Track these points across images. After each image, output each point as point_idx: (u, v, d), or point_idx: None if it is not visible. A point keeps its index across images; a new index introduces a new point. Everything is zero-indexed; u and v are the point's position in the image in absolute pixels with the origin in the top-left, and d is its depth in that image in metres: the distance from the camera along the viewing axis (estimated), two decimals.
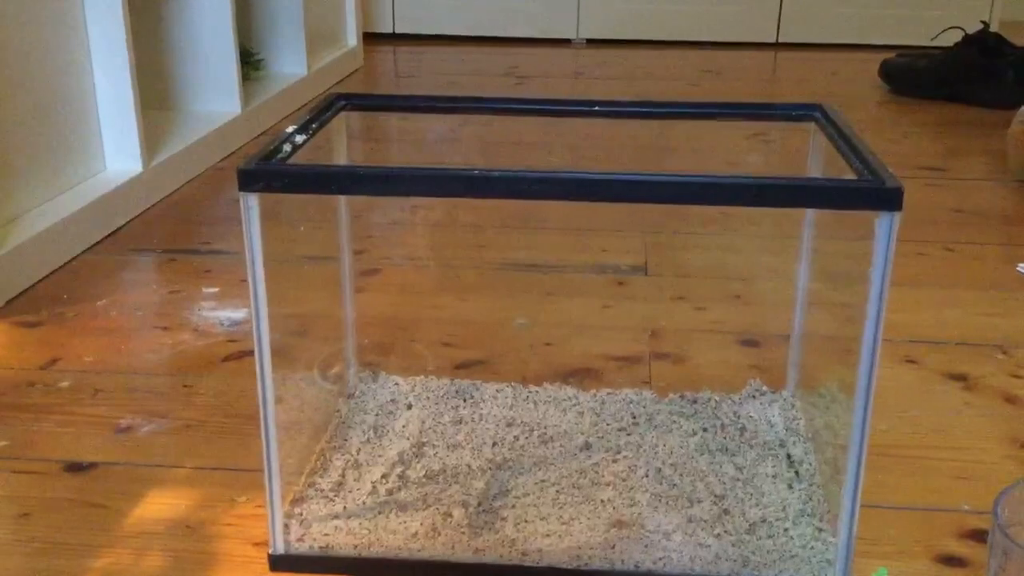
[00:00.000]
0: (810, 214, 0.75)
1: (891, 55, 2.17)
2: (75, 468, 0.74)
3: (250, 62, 1.86)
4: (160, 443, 0.78)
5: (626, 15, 2.65)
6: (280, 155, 0.59)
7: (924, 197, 1.41)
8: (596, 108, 0.72)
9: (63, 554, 0.65)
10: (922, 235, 1.24)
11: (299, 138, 0.62)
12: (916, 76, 2.04)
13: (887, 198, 0.52)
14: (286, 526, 0.64)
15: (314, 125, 0.65)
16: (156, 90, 1.61)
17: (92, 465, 0.75)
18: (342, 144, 0.73)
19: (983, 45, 1.98)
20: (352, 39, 2.31)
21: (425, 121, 1.75)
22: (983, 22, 2.04)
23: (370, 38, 2.58)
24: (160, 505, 0.70)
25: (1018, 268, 1.13)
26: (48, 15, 1.16)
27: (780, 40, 2.65)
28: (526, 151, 1.62)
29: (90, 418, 0.81)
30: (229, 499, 0.71)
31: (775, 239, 1.19)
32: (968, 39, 2.00)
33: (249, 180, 0.55)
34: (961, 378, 0.89)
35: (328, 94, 0.71)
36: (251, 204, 0.56)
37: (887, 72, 2.10)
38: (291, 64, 1.96)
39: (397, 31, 2.70)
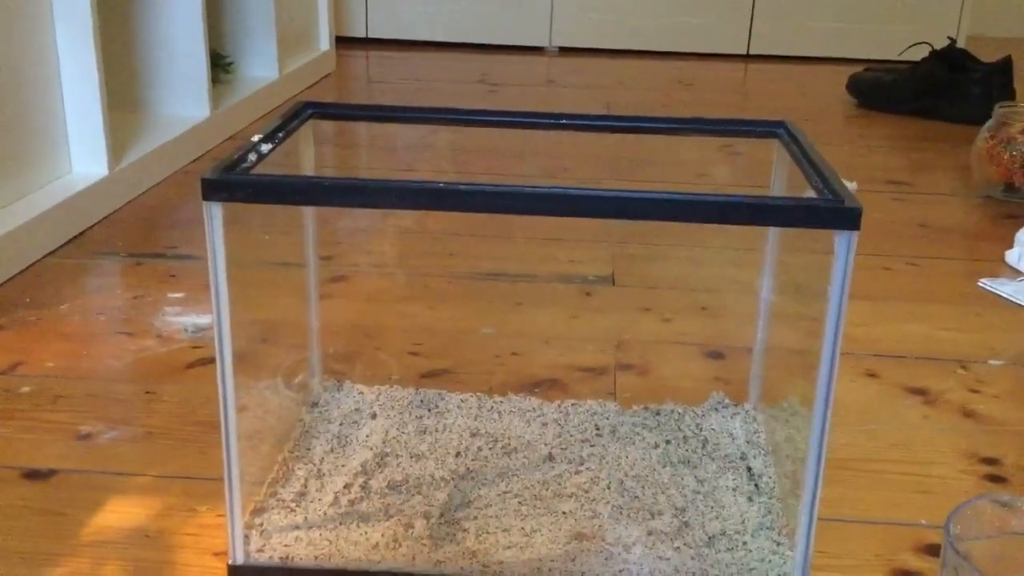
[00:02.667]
0: (774, 228, 0.76)
1: (859, 69, 2.19)
2: (34, 475, 0.74)
3: (220, 65, 1.85)
4: (121, 451, 0.77)
5: (598, 24, 2.67)
6: (245, 164, 0.59)
7: (890, 211, 1.42)
8: (563, 122, 0.72)
9: (21, 563, 0.64)
10: (887, 249, 1.26)
11: (265, 147, 0.62)
12: (883, 90, 2.07)
13: (845, 217, 0.53)
14: (246, 536, 0.64)
15: (281, 134, 0.65)
16: (124, 91, 1.59)
17: (52, 472, 0.74)
18: (309, 153, 0.72)
19: (950, 61, 2.01)
20: (324, 43, 2.30)
21: (395, 127, 1.75)
22: (950, 38, 2.07)
23: (343, 42, 2.58)
24: (120, 514, 0.70)
25: (980, 284, 1.15)
26: (15, 14, 1.15)
27: (751, 52, 2.67)
28: (496, 159, 1.62)
29: (50, 424, 0.81)
30: (190, 508, 0.70)
31: (741, 251, 1.20)
32: (935, 54, 2.03)
33: (213, 189, 0.55)
34: (921, 392, 0.90)
35: (296, 102, 0.71)
36: (215, 213, 0.56)
37: (855, 86, 2.13)
38: (262, 67, 1.95)
39: (370, 36, 2.69)
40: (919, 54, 2.08)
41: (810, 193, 0.59)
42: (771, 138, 0.71)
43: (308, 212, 0.77)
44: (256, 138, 0.62)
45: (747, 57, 2.67)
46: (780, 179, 0.72)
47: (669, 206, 0.54)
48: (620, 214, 0.55)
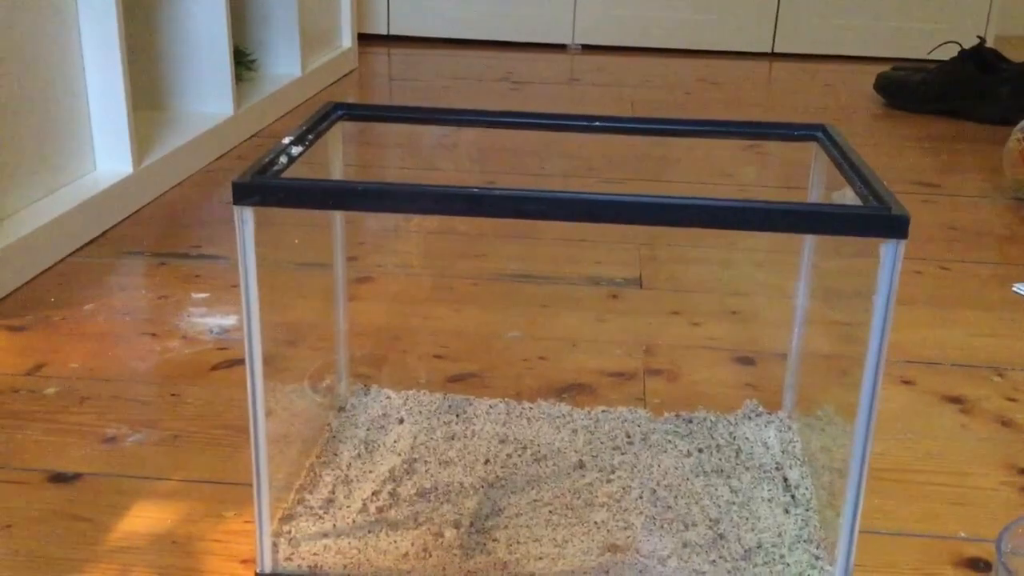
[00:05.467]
0: None
1: (887, 68, 2.17)
2: (60, 479, 0.73)
3: (243, 62, 1.84)
4: (147, 454, 0.77)
5: (622, 22, 2.65)
6: (276, 167, 0.58)
7: (919, 214, 1.40)
8: (596, 124, 0.71)
9: (46, 568, 0.64)
10: (917, 252, 1.24)
11: (295, 149, 0.61)
12: (912, 90, 2.04)
13: (893, 226, 0.51)
14: (274, 544, 0.63)
15: (310, 136, 0.64)
16: (148, 90, 1.59)
17: (77, 476, 0.73)
18: (338, 155, 0.71)
19: (979, 60, 1.98)
20: (347, 40, 2.30)
21: (419, 125, 1.74)
22: (979, 37, 2.04)
23: (365, 39, 2.57)
24: (146, 519, 0.69)
25: (1014, 288, 1.13)
26: (40, 12, 1.15)
27: (776, 50, 2.65)
28: (522, 158, 1.61)
29: (75, 427, 0.80)
30: (217, 514, 0.69)
31: (773, 253, 1.19)
32: (964, 54, 2.00)
33: (244, 194, 0.54)
34: (957, 400, 0.88)
35: (325, 103, 0.70)
36: (246, 218, 0.55)
37: (883, 85, 2.10)
38: (285, 65, 1.94)
39: (392, 33, 2.69)
40: (948, 53, 2.05)
41: (847, 196, 0.58)
42: (810, 141, 0.69)
43: (337, 214, 0.76)
44: (286, 140, 0.61)
45: (772, 55, 2.65)
46: (818, 183, 0.70)
47: (710, 213, 0.53)
48: (657, 221, 0.54)
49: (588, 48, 2.66)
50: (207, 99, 1.60)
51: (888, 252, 0.52)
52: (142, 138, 1.38)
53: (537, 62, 2.49)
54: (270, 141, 1.58)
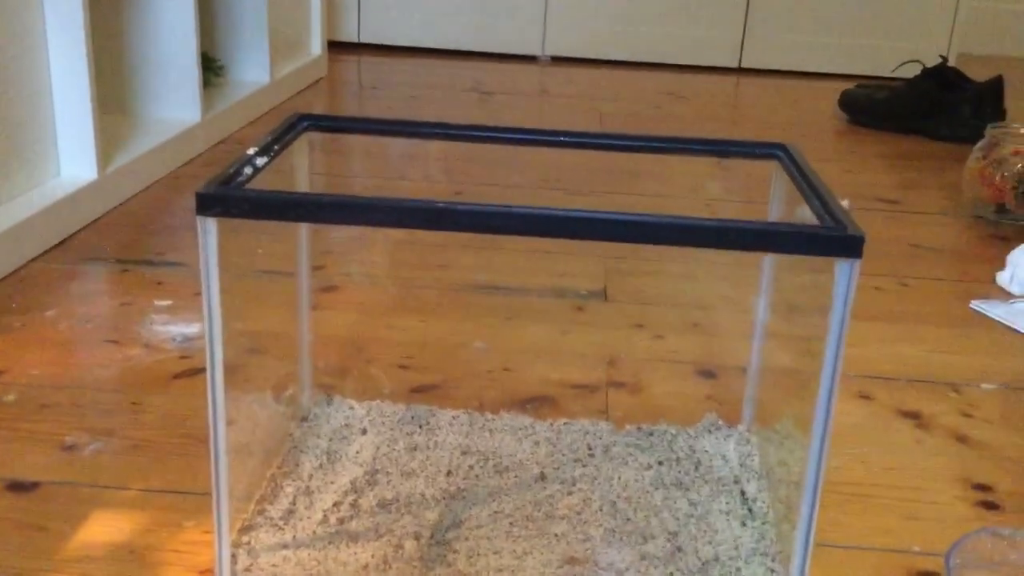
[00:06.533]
0: None
1: (851, 85, 2.20)
2: (18, 487, 0.72)
3: (212, 68, 1.83)
4: (106, 463, 0.76)
5: (592, 34, 2.66)
6: (240, 178, 0.58)
7: (880, 230, 1.42)
8: (562, 139, 0.72)
9: None
10: (877, 269, 1.26)
11: (260, 160, 0.61)
12: (875, 107, 2.07)
13: (848, 245, 0.52)
14: (233, 555, 0.63)
15: (276, 146, 0.64)
16: (114, 94, 1.58)
17: (35, 484, 0.73)
18: (304, 166, 0.72)
19: (941, 79, 2.01)
20: (316, 47, 2.29)
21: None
22: (942, 56, 2.08)
23: (335, 47, 2.57)
24: (104, 528, 0.68)
25: (972, 305, 1.15)
26: (5, 16, 1.14)
27: (743, 66, 2.68)
28: (488, 169, 1.62)
29: (35, 434, 0.79)
30: (176, 523, 0.69)
31: (735, 268, 1.20)
32: (927, 72, 2.04)
33: (208, 204, 0.54)
34: (914, 416, 0.90)
35: (291, 114, 0.70)
36: (209, 228, 0.55)
37: (846, 102, 2.13)
38: (253, 72, 1.94)
39: (362, 41, 2.68)
40: (911, 72, 2.08)
41: (807, 214, 0.59)
42: (770, 159, 0.70)
43: (302, 224, 0.76)
44: (251, 151, 0.61)
45: (739, 71, 2.68)
46: (778, 201, 0.71)
47: (669, 230, 0.54)
48: (618, 238, 0.54)
49: (558, 60, 2.67)
50: (174, 105, 1.59)
51: (843, 271, 0.53)
52: (107, 143, 1.37)
53: (507, 73, 2.50)
54: (237, 148, 1.58)
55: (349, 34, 2.68)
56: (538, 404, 0.88)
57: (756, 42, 2.66)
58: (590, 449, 0.77)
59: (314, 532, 0.66)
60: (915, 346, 1.04)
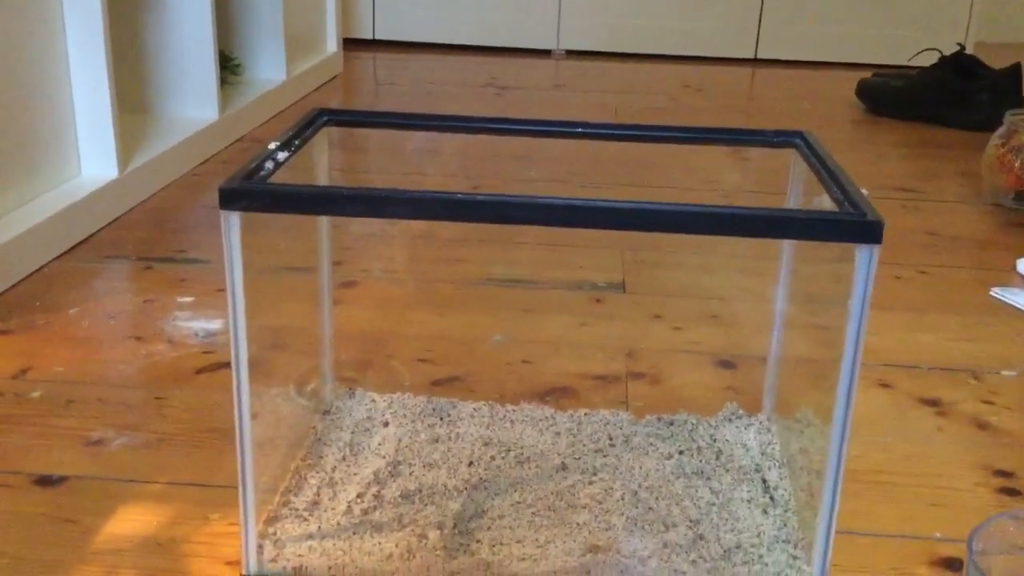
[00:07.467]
0: None
1: (868, 74, 2.19)
2: (45, 482, 0.73)
3: (228, 67, 1.85)
4: (132, 457, 0.77)
5: (606, 27, 2.66)
6: (262, 173, 0.58)
7: (899, 219, 1.42)
8: (579, 130, 0.72)
9: (32, 570, 0.64)
10: (896, 258, 1.25)
11: (281, 155, 0.61)
12: (892, 96, 2.06)
13: (868, 231, 0.53)
14: (259, 546, 0.63)
15: (296, 141, 0.65)
16: (133, 94, 1.59)
17: (62, 479, 0.74)
18: (324, 161, 0.72)
19: (959, 67, 2.00)
20: (332, 45, 2.30)
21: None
22: (959, 44, 2.06)
23: (350, 44, 2.58)
24: (131, 521, 0.69)
25: (992, 293, 1.14)
26: (25, 16, 1.15)
27: (759, 56, 2.67)
28: (506, 162, 1.62)
29: (61, 430, 0.80)
30: (202, 516, 0.70)
31: (753, 259, 1.20)
32: (944, 60, 2.03)
33: (231, 199, 0.55)
34: (934, 403, 0.90)
35: (310, 109, 0.71)
36: (232, 223, 0.55)
37: (863, 91, 2.12)
38: (270, 70, 1.95)
39: (377, 37, 2.69)
40: (928, 60, 2.07)
41: (826, 202, 0.59)
42: (788, 148, 0.70)
43: (322, 219, 0.77)
44: (272, 146, 0.62)
45: (755, 61, 2.67)
46: (796, 189, 0.71)
47: (688, 218, 0.54)
48: (636, 226, 0.55)
49: (572, 53, 2.67)
50: (192, 103, 1.60)
51: (863, 257, 0.53)
52: (127, 142, 1.38)
53: (522, 67, 2.50)
54: (255, 146, 1.59)
55: (364, 31, 2.69)
56: (558, 395, 0.88)
57: (772, 33, 2.65)
58: (611, 439, 0.77)
59: (338, 523, 0.66)
60: (935, 334, 1.04)
